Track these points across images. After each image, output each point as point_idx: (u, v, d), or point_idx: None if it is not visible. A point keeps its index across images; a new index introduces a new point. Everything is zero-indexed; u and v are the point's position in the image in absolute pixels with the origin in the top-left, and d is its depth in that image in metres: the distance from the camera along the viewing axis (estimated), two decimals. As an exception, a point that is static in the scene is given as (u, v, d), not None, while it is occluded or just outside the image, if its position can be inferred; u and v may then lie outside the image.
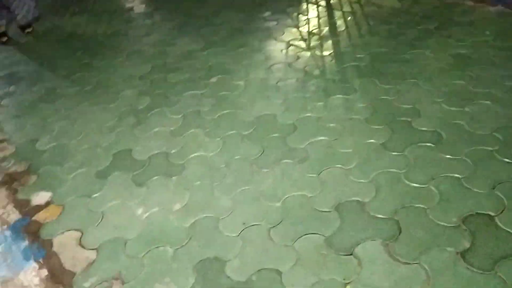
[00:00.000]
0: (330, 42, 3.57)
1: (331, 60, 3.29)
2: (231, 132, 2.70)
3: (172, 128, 2.85)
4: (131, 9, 5.19)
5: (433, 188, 2.06)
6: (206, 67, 3.51)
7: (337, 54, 3.36)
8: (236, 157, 2.49)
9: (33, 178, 2.63)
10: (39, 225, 2.27)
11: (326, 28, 3.82)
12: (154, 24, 4.61)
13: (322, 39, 3.64)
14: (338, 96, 2.85)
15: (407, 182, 2.12)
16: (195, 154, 2.58)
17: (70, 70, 3.88)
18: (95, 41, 4.41)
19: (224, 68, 3.44)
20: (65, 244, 2.13)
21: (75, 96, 3.46)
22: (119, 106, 3.21)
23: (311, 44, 3.57)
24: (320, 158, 2.36)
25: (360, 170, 2.24)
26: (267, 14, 4.35)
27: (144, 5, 5.24)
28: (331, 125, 2.59)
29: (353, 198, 2.08)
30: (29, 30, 4.79)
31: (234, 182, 2.32)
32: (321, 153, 2.40)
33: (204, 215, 2.14)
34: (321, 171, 2.28)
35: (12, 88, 3.74)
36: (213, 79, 3.32)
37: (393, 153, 2.31)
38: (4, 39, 4.64)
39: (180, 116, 2.95)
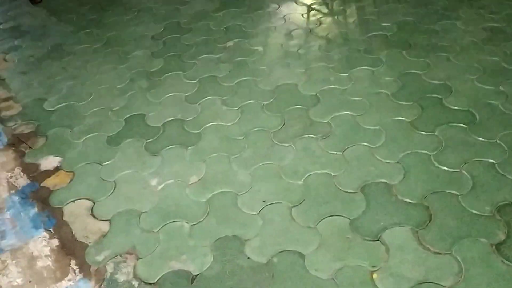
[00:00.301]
0: (354, 7, 3.36)
1: (355, 28, 3.11)
2: (250, 101, 2.57)
3: (187, 94, 2.71)
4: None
5: (465, 173, 1.95)
6: (222, 30, 3.32)
7: (362, 22, 3.17)
8: (255, 129, 2.36)
9: (41, 140, 2.51)
10: (49, 191, 2.18)
11: (350, -7, 3.60)
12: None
13: (345, 4, 3.43)
14: (363, 67, 2.70)
15: (437, 165, 2.01)
16: (212, 123, 2.46)
17: (77, 26, 3.69)
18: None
19: (241, 32, 3.26)
20: (76, 214, 2.04)
21: (84, 54, 3.29)
22: (131, 67, 3.05)
23: (334, 9, 3.37)
24: (344, 134, 2.24)
25: (387, 149, 2.13)
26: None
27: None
28: (356, 98, 2.46)
29: (380, 180, 1.98)
30: None
31: (253, 156, 2.21)
32: (345, 129, 2.28)
33: (222, 190, 2.05)
34: (345, 149, 2.16)
35: (17, 42, 3.57)
36: (230, 43, 3.14)
37: (423, 132, 2.19)
38: None
39: (196, 81, 2.81)
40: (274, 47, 3.02)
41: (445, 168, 1.99)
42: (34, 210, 2.09)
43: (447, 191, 1.88)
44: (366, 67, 2.69)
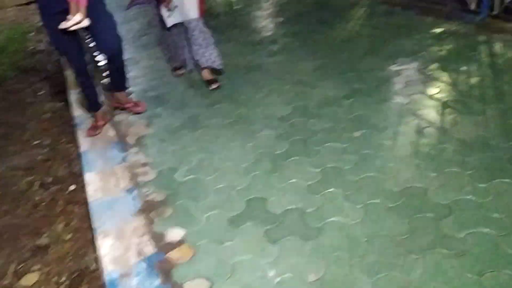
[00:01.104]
0: (496, 109, 3.14)
1: (497, 133, 2.88)
2: (375, 200, 2.48)
3: (309, 183, 2.71)
4: (275, 41, 5.23)
5: None
6: (349, 118, 3.33)
7: (505, 127, 2.93)
8: (380, 233, 2.26)
9: (169, 210, 2.67)
10: (172, 265, 2.27)
11: (490, 92, 3.40)
12: (296, 62, 4.56)
13: (486, 104, 3.24)
14: (506, 180, 2.46)
15: None
16: (333, 218, 2.41)
17: (212, 100, 3.98)
18: (237, 73, 4.49)
19: (369, 122, 3.23)
20: (196, 291, 2.09)
21: (215, 128, 3.51)
22: (257, 147, 3.17)
23: (473, 109, 3.19)
24: (482, 256, 2.03)
25: (536, 283, 1.88)
26: (418, 65, 4.04)
27: (287, 39, 5.25)
28: (497, 216, 2.24)
29: (526, 320, 1.74)
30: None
31: (376, 263, 2.10)
32: (484, 249, 2.07)
33: (341, 296, 1.96)
34: (483, 273, 1.95)
35: (158, 110, 3.94)
36: (357, 133, 3.12)
37: None
38: (181, 71, 4.61)
39: (319, 170, 2.81)
40: (404, 144, 2.93)
41: None
42: (157, 281, 2.19)
43: None
44: (508, 180, 2.46)
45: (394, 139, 3.00)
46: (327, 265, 2.13)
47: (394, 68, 4.06)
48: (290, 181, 2.77)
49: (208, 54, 4.12)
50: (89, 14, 3.11)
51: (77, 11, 3.05)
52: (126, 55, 3.74)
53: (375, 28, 5.20)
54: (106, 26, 3.35)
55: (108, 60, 3.30)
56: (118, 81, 3.74)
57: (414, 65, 4.07)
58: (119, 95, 3.90)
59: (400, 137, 3.01)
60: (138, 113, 3.90)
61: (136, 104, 3.96)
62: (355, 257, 2.15)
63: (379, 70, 4.06)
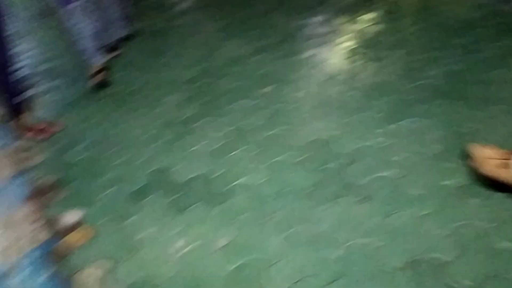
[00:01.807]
0: (397, 54, 3.16)
1: (400, 76, 2.90)
2: (280, 158, 2.40)
3: (213, 148, 2.57)
4: (174, 5, 4.92)
5: (531, 252, 1.70)
6: (256, 75, 3.21)
7: (406, 69, 2.95)
8: (287, 189, 2.19)
9: (63, 193, 2.42)
10: (70, 248, 2.06)
11: (392, 38, 3.41)
12: (198, 24, 4.34)
13: (387, 49, 3.25)
14: (407, 120, 2.47)
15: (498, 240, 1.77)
16: (240, 181, 2.29)
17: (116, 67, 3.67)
18: (138, 39, 4.17)
19: (277, 78, 3.13)
20: (94, 276, 1.90)
21: (118, 97, 3.26)
22: (163, 113, 2.97)
23: (376, 56, 3.19)
24: (385, 199, 2.03)
25: (437, 219, 1.90)
26: (321, 18, 3.97)
27: (187, 3, 4.96)
28: (396, 158, 2.24)
29: (431, 255, 1.75)
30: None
31: (286, 219, 2.03)
32: (386, 192, 2.06)
33: (253, 257, 1.87)
34: (388, 215, 1.95)
35: (55, 83, 3.58)
36: (267, 89, 3.02)
37: (477, 199, 1.95)
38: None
39: (222, 134, 2.67)
40: (312, 96, 2.86)
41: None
42: (48, 273, 1.96)
43: None
44: (410, 120, 2.47)
45: (303, 91, 2.92)
46: (238, 228, 2.03)
47: (296, 23, 3.97)
48: (193, 148, 2.60)
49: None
50: None
51: None
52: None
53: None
54: None
55: None
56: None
57: (315, 19, 3.99)
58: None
59: (308, 89, 2.94)
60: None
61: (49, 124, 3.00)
62: (264, 216, 2.06)
63: (282, 26, 3.95)
